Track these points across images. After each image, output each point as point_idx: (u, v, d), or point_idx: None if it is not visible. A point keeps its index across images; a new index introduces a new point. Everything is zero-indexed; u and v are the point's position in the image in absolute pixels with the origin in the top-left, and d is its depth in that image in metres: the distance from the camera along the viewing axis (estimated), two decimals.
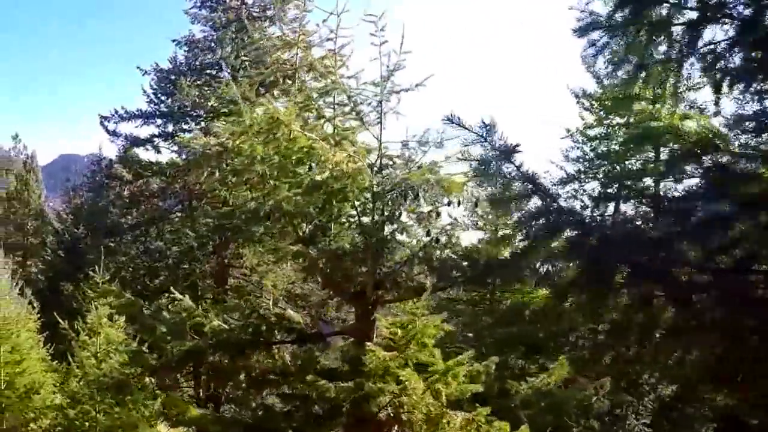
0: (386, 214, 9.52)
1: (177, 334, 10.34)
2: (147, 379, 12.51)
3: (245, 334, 10.20)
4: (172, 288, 11.92)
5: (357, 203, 9.92)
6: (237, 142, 10.09)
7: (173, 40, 28.60)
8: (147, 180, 29.27)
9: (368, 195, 9.54)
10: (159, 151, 29.10)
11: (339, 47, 10.89)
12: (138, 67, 28.44)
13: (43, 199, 44.86)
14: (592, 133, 31.16)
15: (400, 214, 9.61)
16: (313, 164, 9.37)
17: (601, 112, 31.72)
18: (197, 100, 26.07)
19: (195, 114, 28.06)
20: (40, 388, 15.82)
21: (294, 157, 9.46)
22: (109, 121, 28.39)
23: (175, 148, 28.63)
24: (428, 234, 9.72)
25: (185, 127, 28.38)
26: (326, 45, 10.86)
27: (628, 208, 17.35)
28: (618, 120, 32.46)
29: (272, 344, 10.23)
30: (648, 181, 19.50)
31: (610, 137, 31.64)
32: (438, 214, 9.52)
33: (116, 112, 28.21)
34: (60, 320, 16.49)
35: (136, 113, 28.10)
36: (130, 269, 28.12)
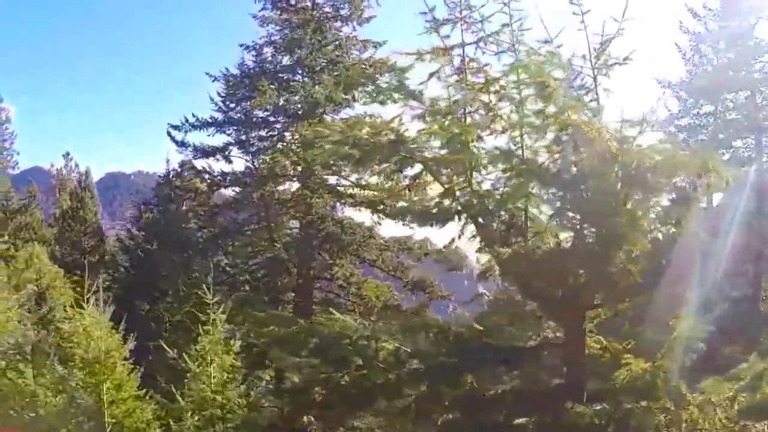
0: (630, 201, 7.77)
1: (340, 361, 8.61)
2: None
3: (450, 357, 8.50)
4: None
5: None
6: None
7: (241, 45, 27.12)
8: (219, 191, 27.83)
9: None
10: (230, 161, 27.63)
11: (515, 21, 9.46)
12: (207, 73, 26.96)
13: (99, 217, 43.52)
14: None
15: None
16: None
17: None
18: (279, 103, 24.46)
19: (272, 120, 26.57)
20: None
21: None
22: (179, 130, 26.90)
23: (248, 156, 27.21)
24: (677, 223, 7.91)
25: (262, 134, 26.88)
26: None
27: None
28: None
29: (484, 366, 8.50)
30: None
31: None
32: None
33: (186, 120, 26.71)
34: (167, 348, 14.67)
35: (209, 121, 26.60)
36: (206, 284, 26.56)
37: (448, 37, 10.43)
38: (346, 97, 25.10)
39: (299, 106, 25.08)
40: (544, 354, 9.14)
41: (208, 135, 26.89)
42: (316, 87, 24.06)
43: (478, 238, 9.68)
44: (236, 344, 13.54)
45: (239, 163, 27.62)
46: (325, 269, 25.11)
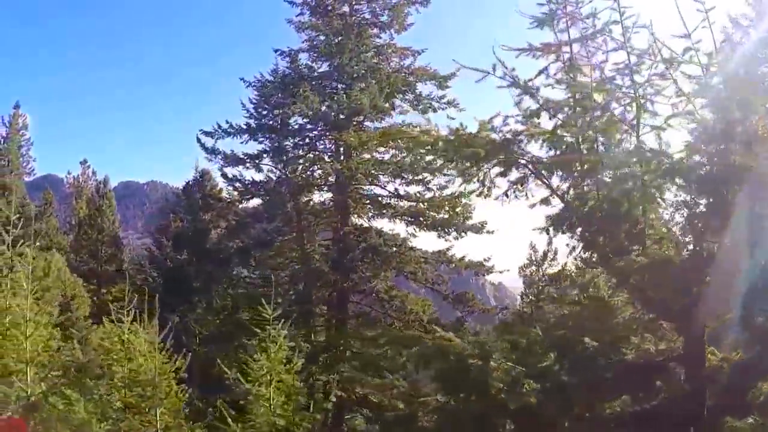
0: None
1: (478, 384, 7.50)
2: None
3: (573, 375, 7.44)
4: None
5: None
6: None
7: (276, 50, 26.13)
8: (246, 200, 26.88)
9: None
10: (260, 170, 26.63)
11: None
12: (242, 79, 26.05)
13: (117, 225, 42.39)
14: None
15: None
16: None
17: None
18: (320, 110, 23.44)
19: (309, 127, 25.63)
20: None
21: None
22: (211, 137, 25.91)
23: (281, 165, 26.23)
24: None
25: (297, 141, 25.91)
26: None
27: None
28: None
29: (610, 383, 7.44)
30: None
31: None
32: None
33: (219, 126, 25.72)
34: (226, 370, 13.39)
35: (243, 127, 25.63)
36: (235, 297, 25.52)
37: (558, 32, 9.44)
38: (386, 105, 24.23)
39: (339, 113, 24.04)
40: (672, 367, 8.26)
41: (242, 142, 26.02)
42: (361, 94, 23.04)
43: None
44: (298, 363, 12.41)
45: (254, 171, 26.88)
46: (365, 282, 23.98)
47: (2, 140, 45.92)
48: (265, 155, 25.66)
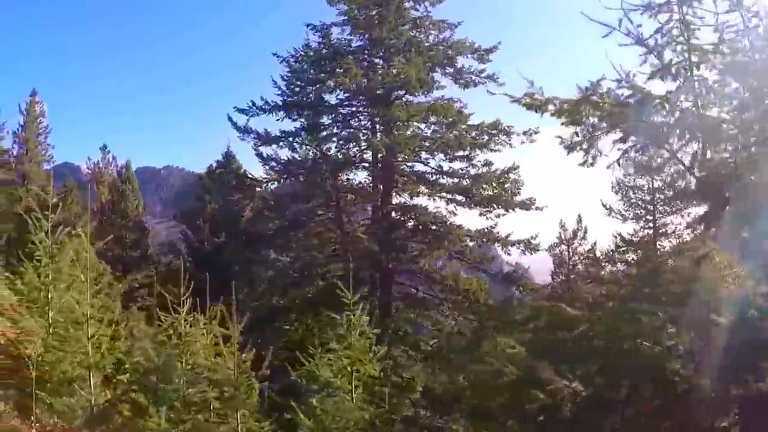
0: None
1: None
2: None
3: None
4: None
5: None
6: None
7: (308, 25, 24.84)
8: (285, 180, 25.78)
9: None
10: (293, 149, 25.56)
11: None
12: (275, 54, 24.84)
13: (141, 211, 41.34)
14: None
15: None
16: None
17: None
18: (361, 83, 22.25)
19: (346, 103, 24.52)
20: None
21: None
22: (246, 114, 24.78)
23: (316, 143, 25.14)
24: None
25: (335, 117, 24.80)
26: None
27: None
28: None
29: None
30: None
31: None
32: None
33: (253, 104, 24.59)
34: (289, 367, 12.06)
35: (279, 104, 24.48)
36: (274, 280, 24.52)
37: None
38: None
39: (379, 87, 22.87)
40: None
41: (277, 120, 24.82)
42: (408, 66, 21.90)
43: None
44: (381, 350, 11.32)
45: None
46: (411, 261, 22.92)
47: (20, 128, 44.97)
48: (301, 133, 24.51)
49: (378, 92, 22.94)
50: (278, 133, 24.78)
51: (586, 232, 31.03)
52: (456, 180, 23.32)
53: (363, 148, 24.63)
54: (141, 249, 39.99)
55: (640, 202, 28.55)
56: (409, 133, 23.42)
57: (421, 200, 24.34)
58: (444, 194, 23.14)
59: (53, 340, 9.45)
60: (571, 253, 31.12)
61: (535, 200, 22.71)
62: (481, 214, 23.46)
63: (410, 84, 21.72)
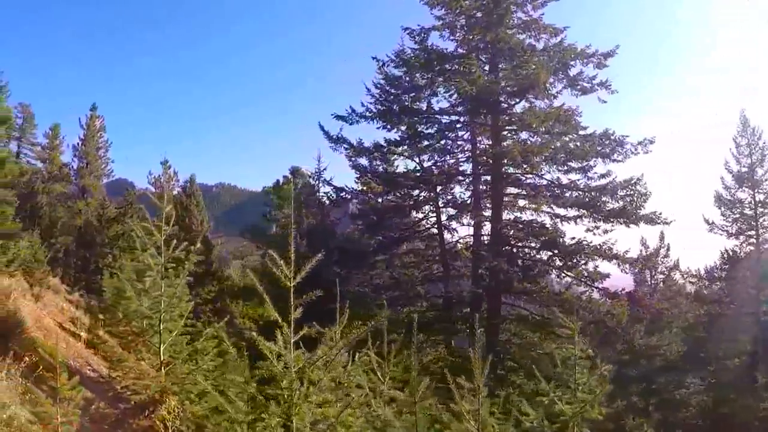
0: None
1: None
2: None
3: None
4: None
5: None
6: None
7: (405, 28, 22.78)
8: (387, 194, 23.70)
9: None
10: (387, 161, 23.57)
11: None
12: (374, 58, 22.89)
13: (206, 226, 39.43)
14: None
15: None
16: None
17: None
18: (471, 89, 20.05)
19: (451, 110, 22.46)
20: None
21: None
22: (346, 121, 22.89)
23: (415, 153, 23.13)
24: None
25: (438, 126, 22.71)
26: None
27: None
28: None
29: None
30: None
31: None
32: None
33: (353, 110, 22.65)
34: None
35: (382, 110, 22.55)
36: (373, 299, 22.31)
37: None
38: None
39: (485, 94, 20.68)
40: None
41: (378, 128, 22.87)
42: (539, 67, 19.79)
43: None
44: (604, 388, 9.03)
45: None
46: (526, 281, 20.60)
47: (80, 142, 43.42)
48: (404, 142, 22.51)
49: (489, 98, 20.69)
50: (370, 145, 22.89)
51: (668, 249, 28.96)
52: (578, 193, 21.00)
53: (464, 159, 22.63)
54: (206, 264, 38.14)
55: (740, 216, 26.19)
56: (528, 140, 21.31)
57: (526, 214, 22.14)
58: (565, 209, 20.84)
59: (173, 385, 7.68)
60: (653, 271, 29.15)
61: (660, 214, 20.36)
62: (606, 231, 21.08)
63: (537, 87, 19.55)
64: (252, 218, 48.93)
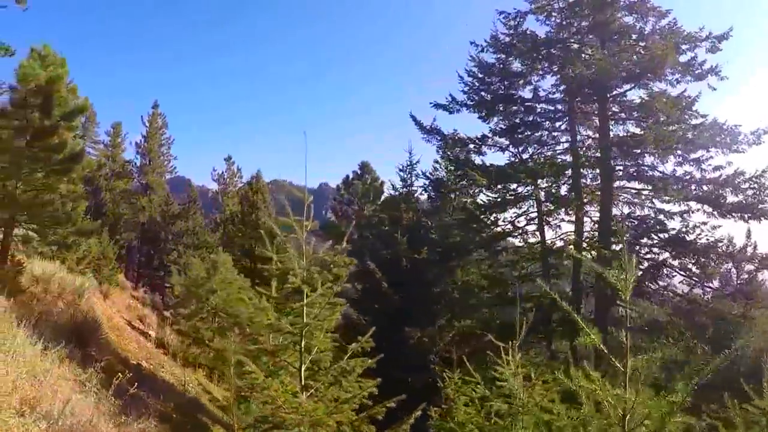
0: None
1: None
2: None
3: None
4: None
5: None
6: None
7: (500, 12, 21.41)
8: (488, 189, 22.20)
9: None
10: (480, 152, 22.11)
11: None
12: (472, 42, 21.53)
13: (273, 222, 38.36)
14: None
15: None
16: None
17: None
18: (581, 74, 18.48)
19: (557, 98, 20.95)
20: None
21: None
22: (447, 110, 21.59)
23: (512, 144, 21.68)
24: None
25: (542, 114, 21.20)
26: None
27: None
28: None
29: None
30: None
31: None
32: None
33: (453, 99, 21.32)
34: None
35: (485, 99, 21.21)
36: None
37: None
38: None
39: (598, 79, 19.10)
40: None
41: (480, 117, 21.42)
42: (662, 48, 18.13)
43: None
44: None
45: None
46: (652, 279, 18.98)
47: (142, 139, 42.96)
48: (503, 134, 21.08)
49: (603, 83, 19.09)
50: (464, 136, 21.49)
51: (755, 247, 27.07)
52: (695, 186, 19.27)
53: (561, 150, 21.13)
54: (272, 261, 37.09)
55: None
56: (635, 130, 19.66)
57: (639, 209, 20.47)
58: (680, 203, 19.14)
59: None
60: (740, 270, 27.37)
61: None
62: (714, 228, 19.35)
63: (660, 70, 17.89)
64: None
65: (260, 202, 37.90)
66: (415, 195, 24.63)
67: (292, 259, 6.93)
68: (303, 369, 6.53)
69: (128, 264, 41.58)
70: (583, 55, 19.06)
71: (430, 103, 21.57)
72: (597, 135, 20.92)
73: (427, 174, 23.45)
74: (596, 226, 20.64)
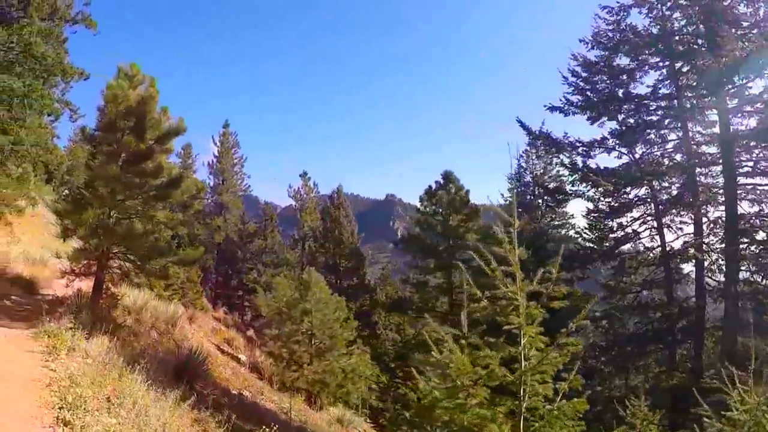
0: None
1: None
2: None
3: None
4: None
5: None
6: None
7: (604, 7, 20.52)
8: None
9: None
10: (588, 155, 21.07)
11: None
12: (581, 40, 20.72)
13: (357, 237, 37.84)
14: None
15: None
16: None
17: None
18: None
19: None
20: None
21: None
22: (562, 112, 20.69)
23: (625, 148, 20.65)
24: None
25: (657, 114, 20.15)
26: None
27: None
28: None
29: None
30: None
31: None
32: None
33: (567, 101, 20.42)
34: None
35: (601, 99, 20.25)
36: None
37: None
38: None
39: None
40: None
41: (589, 121, 20.48)
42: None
43: None
44: None
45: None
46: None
47: (214, 158, 42.91)
48: (616, 135, 20.11)
49: (726, 76, 17.97)
50: (574, 139, 20.56)
51: None
52: None
53: (672, 149, 20.07)
54: (358, 277, 36.56)
55: None
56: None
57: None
58: None
59: None
60: None
61: None
62: None
63: None
64: (377, 226, 47.08)
65: (342, 217, 37.44)
66: (536, 203, 23.61)
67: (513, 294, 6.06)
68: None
69: (204, 285, 41.44)
70: (700, 48, 17.93)
71: (544, 105, 20.82)
72: (712, 131, 19.77)
73: (541, 181, 22.56)
74: (713, 226, 19.54)
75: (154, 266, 12.81)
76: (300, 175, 41.04)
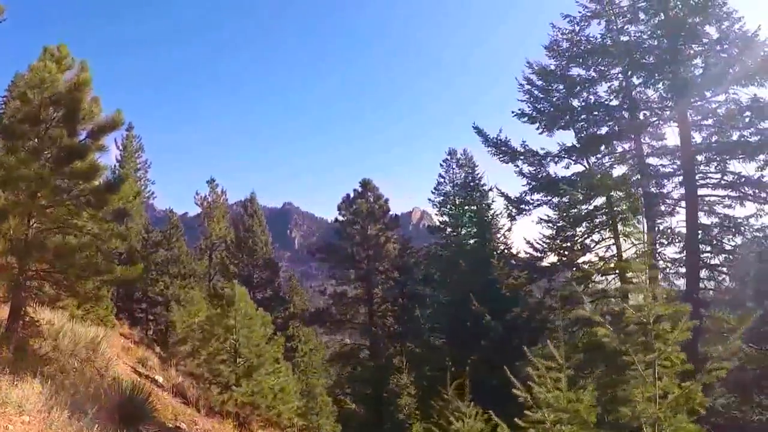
0: None
1: None
2: None
3: None
4: None
5: None
6: None
7: (566, 16, 19.96)
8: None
9: None
10: (542, 165, 20.29)
11: None
12: (545, 46, 19.94)
13: (270, 248, 35.58)
14: None
15: None
16: None
17: None
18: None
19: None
20: None
21: None
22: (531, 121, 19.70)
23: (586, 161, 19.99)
24: None
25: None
26: None
27: None
28: None
29: None
30: None
31: None
32: None
33: (536, 108, 19.49)
34: None
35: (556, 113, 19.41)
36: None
37: None
38: None
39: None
40: None
41: (538, 129, 19.63)
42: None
43: None
44: None
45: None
46: None
47: (117, 163, 39.42)
48: (576, 147, 19.35)
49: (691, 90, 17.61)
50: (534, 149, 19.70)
51: None
52: None
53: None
54: (272, 289, 34.37)
55: None
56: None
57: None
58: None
59: None
60: None
61: None
62: None
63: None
64: (274, 234, 45.27)
65: (256, 225, 35.11)
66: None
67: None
68: None
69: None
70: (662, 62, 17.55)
71: (512, 112, 19.73)
72: (664, 143, 19.48)
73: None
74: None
75: (88, 287, 10.36)
76: (207, 182, 38.14)
